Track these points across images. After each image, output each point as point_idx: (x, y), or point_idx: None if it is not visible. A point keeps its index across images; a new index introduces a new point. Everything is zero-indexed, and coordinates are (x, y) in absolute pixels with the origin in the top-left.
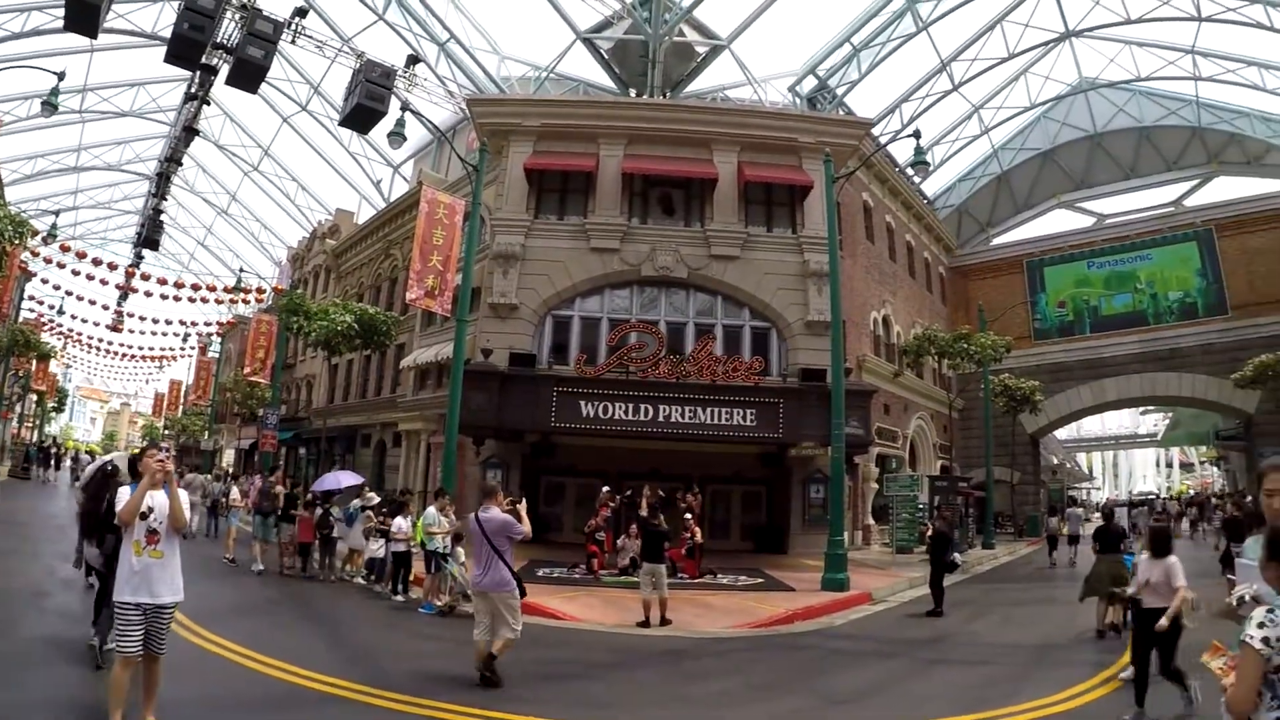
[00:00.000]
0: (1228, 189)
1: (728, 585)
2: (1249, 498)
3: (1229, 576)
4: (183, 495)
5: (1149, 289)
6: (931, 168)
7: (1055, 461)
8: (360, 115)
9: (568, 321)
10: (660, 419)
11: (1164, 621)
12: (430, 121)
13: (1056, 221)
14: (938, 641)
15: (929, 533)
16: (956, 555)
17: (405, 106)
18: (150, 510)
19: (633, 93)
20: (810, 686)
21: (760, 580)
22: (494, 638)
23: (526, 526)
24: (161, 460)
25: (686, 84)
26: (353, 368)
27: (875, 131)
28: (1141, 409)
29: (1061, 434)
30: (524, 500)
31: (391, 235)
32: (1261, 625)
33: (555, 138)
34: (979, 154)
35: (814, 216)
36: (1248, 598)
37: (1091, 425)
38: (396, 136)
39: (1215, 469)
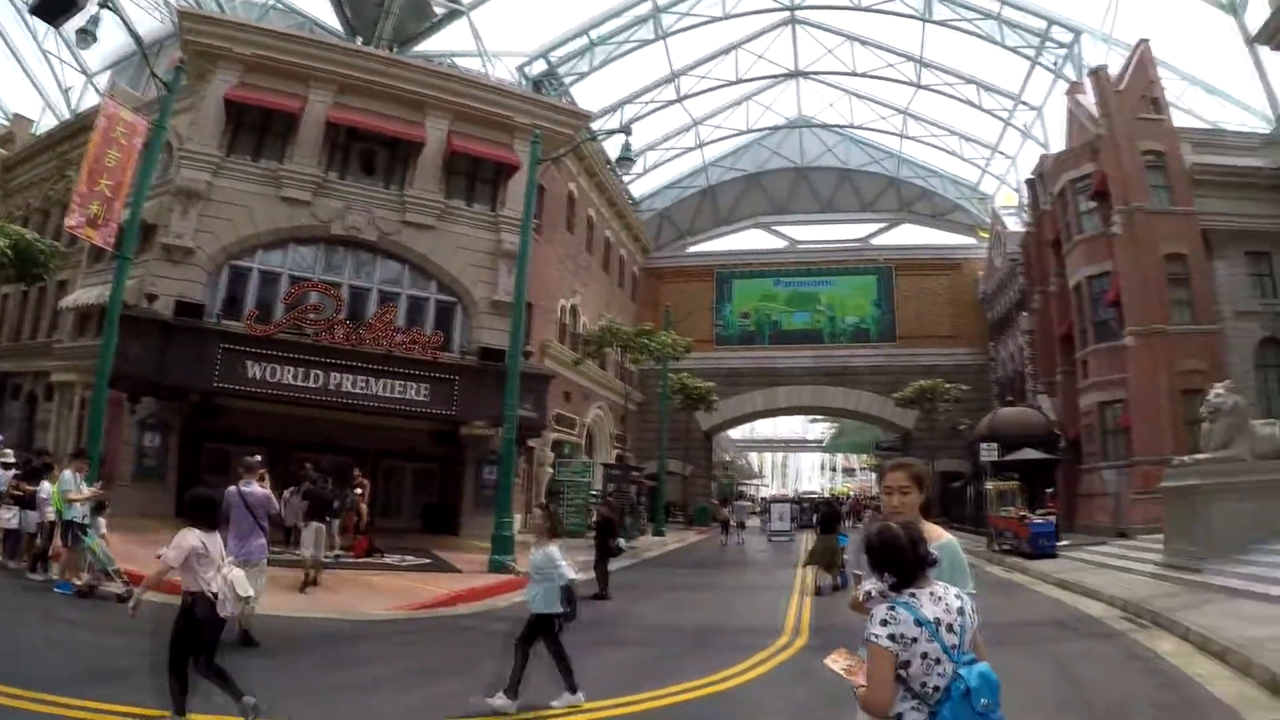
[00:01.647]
0: (911, 235)
1: (394, 565)
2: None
3: (856, 572)
4: None
5: (828, 311)
6: (637, 166)
7: (727, 458)
8: (52, 2)
9: (246, 274)
10: (332, 387)
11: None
12: (132, 27)
13: (752, 239)
14: (602, 624)
15: (594, 518)
16: (620, 540)
17: (105, 3)
18: None
19: (359, 41)
20: (469, 670)
21: (427, 560)
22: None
23: (277, 504)
24: None
25: (416, 43)
26: (6, 305)
27: (595, 126)
28: (811, 417)
29: (736, 434)
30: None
31: (70, 154)
32: (885, 623)
33: (265, 71)
34: (690, 166)
35: (516, 197)
36: (874, 593)
37: (764, 428)
38: (86, 35)
39: (874, 475)
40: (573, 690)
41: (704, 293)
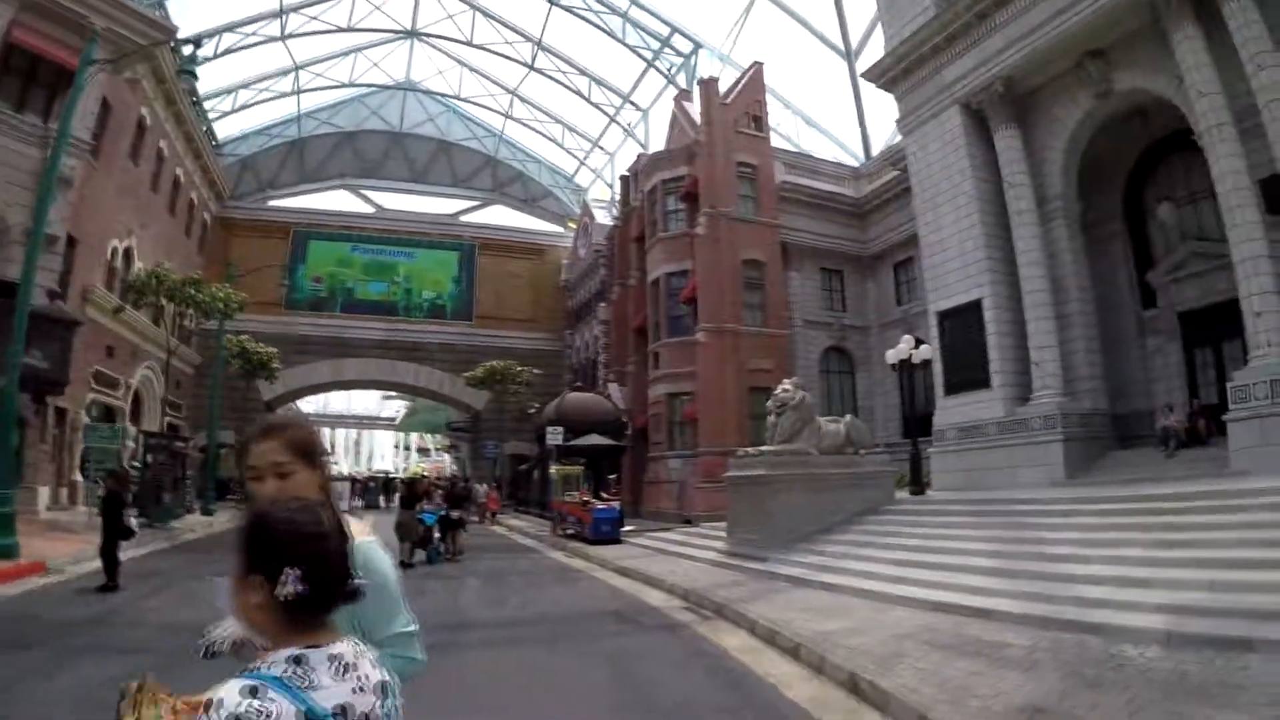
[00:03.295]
0: (502, 217)
1: None
2: (463, 481)
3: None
4: None
5: (405, 284)
6: (224, 104)
7: None
8: None
9: None
10: None
11: None
12: None
13: (337, 200)
14: (99, 624)
15: (101, 493)
16: (133, 520)
17: None
18: None
19: None
20: None
21: None
22: None
23: None
24: None
25: None
26: None
27: (190, 53)
28: (384, 394)
29: (308, 407)
30: None
31: None
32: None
33: None
34: (283, 113)
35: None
36: (225, 645)
37: (338, 403)
38: None
39: (448, 456)
40: None
41: (278, 251)
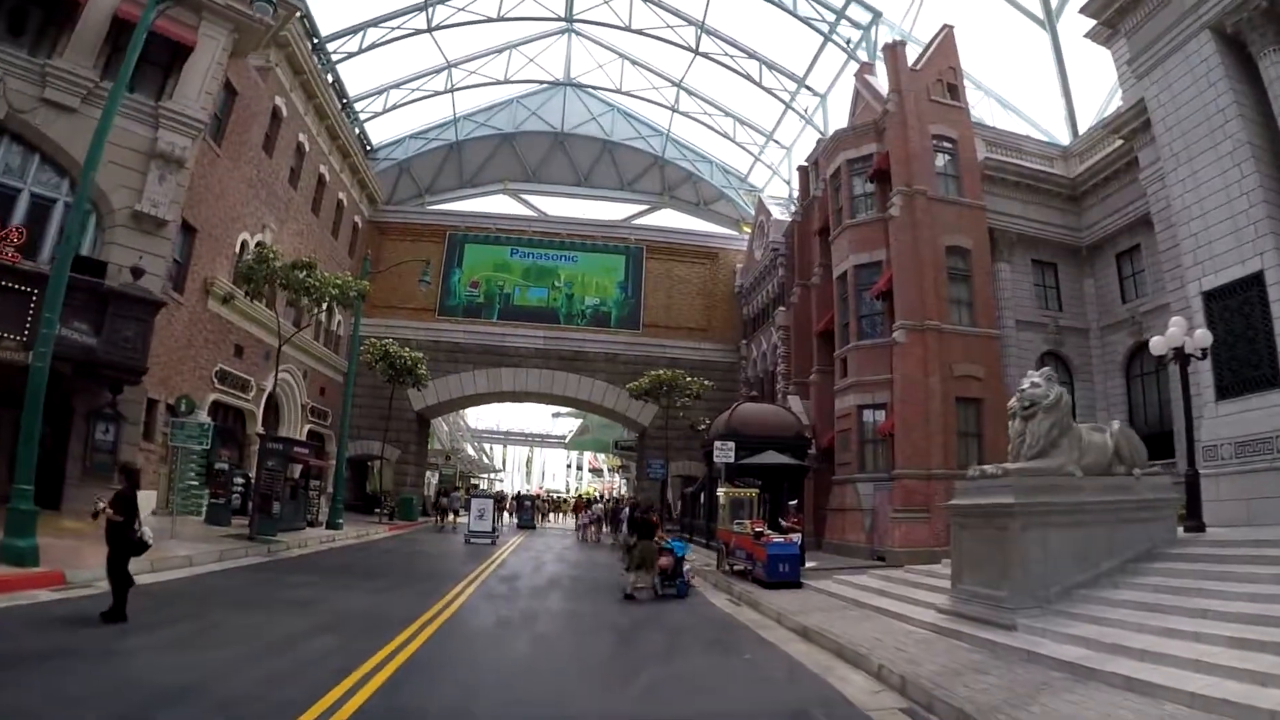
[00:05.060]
0: (672, 220)
1: None
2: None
3: None
4: None
5: (566, 289)
6: (375, 104)
7: (463, 447)
8: None
9: None
10: None
11: None
12: None
13: (498, 205)
14: (57, 661)
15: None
16: (147, 530)
17: None
18: None
19: None
20: None
21: None
22: None
23: None
24: None
25: None
26: None
27: (332, 48)
28: (554, 412)
29: (480, 424)
30: None
31: None
32: None
33: None
34: (438, 116)
35: (189, 88)
36: None
37: (511, 421)
38: None
39: (619, 476)
40: None
41: (432, 254)
